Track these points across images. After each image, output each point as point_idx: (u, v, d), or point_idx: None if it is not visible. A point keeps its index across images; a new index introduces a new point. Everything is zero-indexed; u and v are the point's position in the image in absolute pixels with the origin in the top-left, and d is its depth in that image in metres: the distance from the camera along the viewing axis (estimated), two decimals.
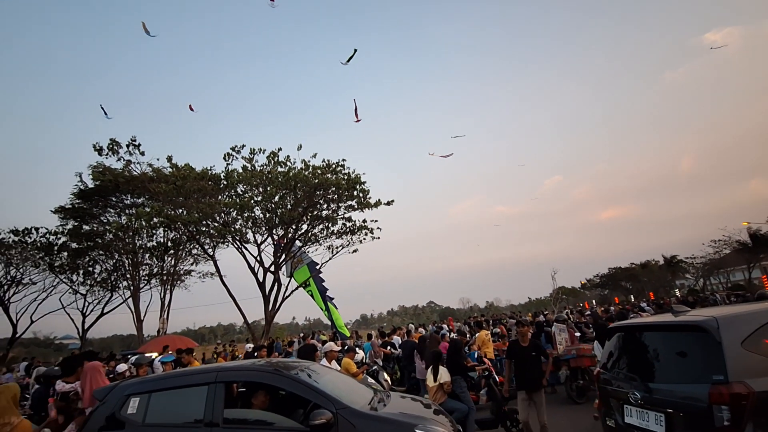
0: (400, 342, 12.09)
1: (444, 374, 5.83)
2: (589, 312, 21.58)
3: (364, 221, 16.29)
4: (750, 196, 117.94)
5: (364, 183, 15.59)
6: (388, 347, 12.32)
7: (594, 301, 49.08)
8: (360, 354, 9.97)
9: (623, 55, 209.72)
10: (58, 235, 20.65)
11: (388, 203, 16.17)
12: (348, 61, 12.92)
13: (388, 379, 8.95)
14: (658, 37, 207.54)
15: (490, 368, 7.38)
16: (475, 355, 8.91)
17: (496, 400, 6.49)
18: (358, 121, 14.93)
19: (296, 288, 17.11)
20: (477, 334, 9.93)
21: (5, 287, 20.07)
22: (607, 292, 58.39)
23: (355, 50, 13.11)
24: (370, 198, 15.86)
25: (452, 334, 11.71)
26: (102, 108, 15.20)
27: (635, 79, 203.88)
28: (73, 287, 21.85)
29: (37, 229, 20.35)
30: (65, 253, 20.90)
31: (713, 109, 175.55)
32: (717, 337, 2.86)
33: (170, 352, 10.81)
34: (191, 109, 17.50)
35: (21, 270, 20.28)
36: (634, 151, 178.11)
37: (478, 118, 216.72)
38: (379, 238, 16.51)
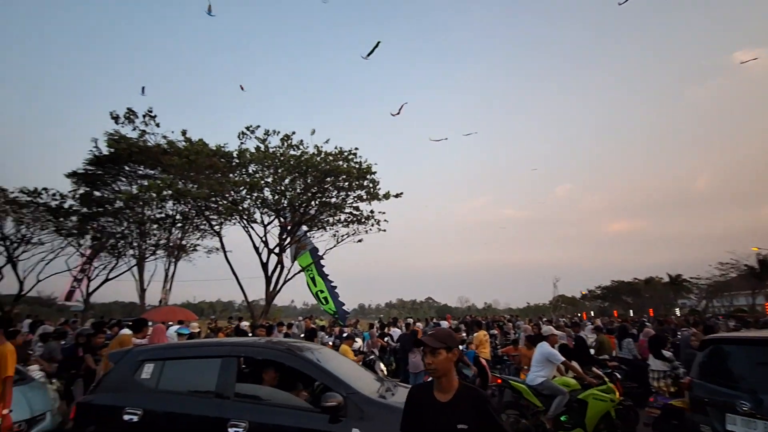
0: (399, 334, 12.20)
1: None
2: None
3: (372, 212, 16.33)
4: (763, 220, 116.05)
5: (374, 173, 15.59)
6: (386, 338, 12.44)
7: (592, 312, 49.03)
8: (358, 342, 10.10)
9: (647, 69, 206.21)
10: (68, 199, 20.86)
11: (397, 195, 16.15)
12: (369, 54, 12.42)
13: (384, 369, 9.07)
14: (686, 53, 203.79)
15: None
16: (472, 355, 8.99)
17: None
18: (396, 114, 14.85)
19: (298, 272, 17.24)
20: (475, 334, 9.99)
21: (15, 245, 20.36)
22: (607, 304, 58.15)
23: (378, 42, 12.44)
24: (379, 189, 15.87)
25: None
26: (142, 88, 15.22)
27: (658, 93, 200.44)
28: (80, 251, 22.12)
29: (47, 191, 20.55)
30: (74, 217, 21.12)
31: (735, 129, 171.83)
32: None
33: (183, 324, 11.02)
34: (242, 89, 17.29)
35: (31, 230, 20.52)
36: (650, 166, 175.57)
37: (495, 119, 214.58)
38: (385, 230, 16.56)
